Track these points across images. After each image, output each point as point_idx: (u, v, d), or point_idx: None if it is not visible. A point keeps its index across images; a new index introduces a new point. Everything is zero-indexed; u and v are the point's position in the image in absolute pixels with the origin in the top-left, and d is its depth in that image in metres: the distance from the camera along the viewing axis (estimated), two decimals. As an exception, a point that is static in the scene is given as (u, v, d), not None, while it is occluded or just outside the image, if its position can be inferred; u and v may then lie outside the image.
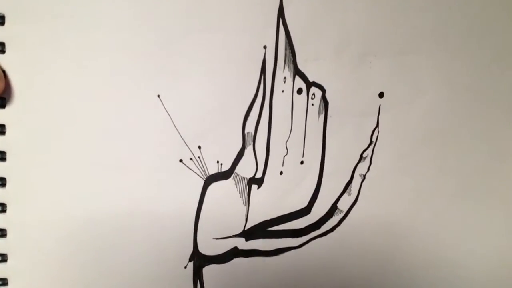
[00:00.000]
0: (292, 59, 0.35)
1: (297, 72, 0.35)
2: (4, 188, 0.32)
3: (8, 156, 0.32)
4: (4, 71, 0.30)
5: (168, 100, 0.33)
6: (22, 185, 0.32)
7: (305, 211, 0.38)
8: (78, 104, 0.32)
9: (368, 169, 0.38)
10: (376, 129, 0.37)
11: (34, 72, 0.31)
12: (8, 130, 0.31)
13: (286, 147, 0.37)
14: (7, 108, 0.31)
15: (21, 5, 0.30)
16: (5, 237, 0.33)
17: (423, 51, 0.36)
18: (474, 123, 0.39)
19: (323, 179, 0.38)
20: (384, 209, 0.39)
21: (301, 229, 0.38)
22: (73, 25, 0.31)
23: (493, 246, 0.41)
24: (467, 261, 0.41)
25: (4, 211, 0.32)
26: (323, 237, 0.39)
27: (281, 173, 0.37)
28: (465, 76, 0.38)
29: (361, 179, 0.38)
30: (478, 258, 0.41)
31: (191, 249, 0.36)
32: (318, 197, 0.38)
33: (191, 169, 0.35)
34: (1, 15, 0.29)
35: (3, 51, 0.30)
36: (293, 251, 0.39)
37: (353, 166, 0.38)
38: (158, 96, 0.33)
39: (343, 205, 0.39)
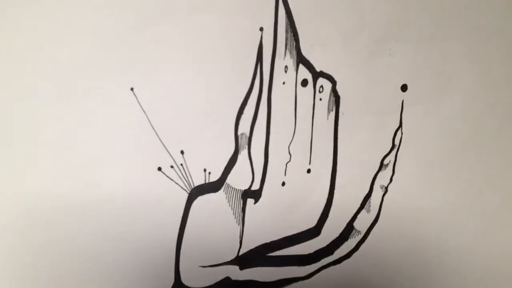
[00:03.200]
0: (294, 44, 0.33)
1: (301, 60, 0.33)
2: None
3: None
4: None
5: (144, 94, 0.31)
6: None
7: (314, 232, 0.37)
8: (34, 99, 0.29)
9: (391, 179, 0.37)
10: (399, 130, 0.36)
11: None
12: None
13: (289, 152, 0.35)
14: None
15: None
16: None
17: (453, 35, 0.35)
18: None
19: (335, 191, 0.36)
20: (412, 230, 0.37)
21: (309, 255, 0.37)
22: (28, 6, 0.28)
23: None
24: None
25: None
26: (337, 265, 0.38)
27: (283, 184, 0.35)
28: (504, 65, 0.35)
29: (383, 192, 0.37)
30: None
31: (172, 280, 0.35)
32: (330, 214, 0.37)
33: (172, 179, 0.33)
34: None
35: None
36: (299, 282, 0.37)
37: (372, 176, 0.37)
38: (132, 89, 0.31)
39: (361, 224, 0.38)
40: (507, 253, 0.38)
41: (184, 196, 0.33)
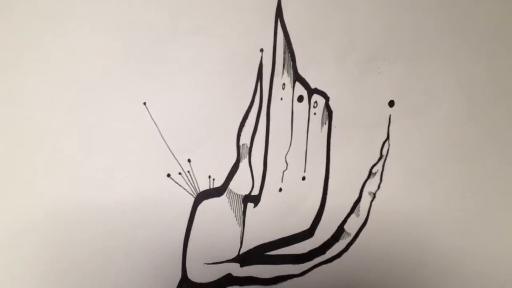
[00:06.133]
0: (291, 64, 0.35)
1: (297, 77, 0.35)
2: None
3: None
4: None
5: (155, 108, 0.33)
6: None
7: (308, 233, 0.38)
8: (54, 110, 0.32)
9: (379, 186, 0.38)
10: (387, 142, 0.37)
11: (10, 74, 0.31)
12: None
13: (286, 161, 0.36)
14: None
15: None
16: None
17: (438, 55, 0.36)
18: (498, 135, 0.38)
19: (327, 197, 0.37)
20: (398, 232, 0.38)
21: (303, 254, 0.38)
22: (51, 25, 0.31)
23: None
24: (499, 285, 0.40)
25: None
26: (329, 264, 0.39)
27: (280, 190, 0.37)
28: (486, 83, 0.37)
29: (371, 198, 0.38)
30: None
31: (179, 276, 0.37)
32: (322, 217, 0.38)
33: (180, 185, 0.35)
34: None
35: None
36: (294, 279, 0.38)
37: (362, 183, 0.38)
38: (144, 103, 0.33)
39: (351, 227, 0.38)
40: (487, 253, 0.39)
41: (191, 200, 0.35)
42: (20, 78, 0.31)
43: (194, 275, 0.36)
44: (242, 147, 0.35)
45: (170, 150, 0.34)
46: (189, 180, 0.35)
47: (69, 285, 0.34)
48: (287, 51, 0.34)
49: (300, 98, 0.35)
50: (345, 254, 0.38)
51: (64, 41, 0.31)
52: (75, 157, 0.33)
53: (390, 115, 0.36)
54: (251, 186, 0.36)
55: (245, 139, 0.35)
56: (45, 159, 0.33)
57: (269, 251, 0.37)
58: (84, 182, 0.33)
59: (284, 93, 0.35)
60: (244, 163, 0.36)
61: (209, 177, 0.35)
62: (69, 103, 0.32)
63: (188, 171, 0.34)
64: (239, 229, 0.37)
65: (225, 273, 0.37)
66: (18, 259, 0.33)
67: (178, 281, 0.36)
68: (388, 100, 0.36)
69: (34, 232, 0.33)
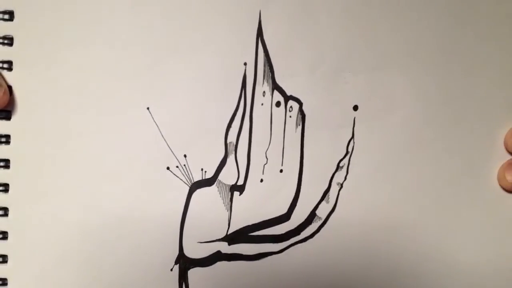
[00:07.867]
0: (270, 75, 0.37)
1: (275, 86, 0.38)
2: (6, 193, 0.37)
3: (11, 164, 0.37)
4: (10, 87, 0.35)
5: (157, 112, 0.37)
6: (23, 191, 0.37)
7: (285, 217, 0.39)
8: (76, 117, 0.37)
9: (345, 178, 0.40)
10: (352, 140, 0.39)
11: (36, 87, 0.36)
12: (12, 140, 0.36)
13: (266, 156, 0.38)
14: (12, 120, 0.36)
15: (28, 29, 0.35)
16: (6, 240, 0.37)
17: (396, 67, 0.39)
18: (447, 135, 0.41)
19: (301, 187, 0.39)
20: (362, 217, 0.41)
21: (281, 235, 0.39)
22: (73, 46, 0.36)
23: (472, 253, 0.42)
24: (446, 267, 0.42)
25: (6, 214, 0.37)
26: (303, 243, 0.40)
27: (261, 180, 0.39)
28: (438, 90, 0.40)
29: (339, 188, 0.40)
30: (457, 266, 0.42)
31: (177, 252, 0.38)
32: (297, 204, 0.39)
33: (177, 176, 0.37)
34: (9, 36, 0.35)
35: (10, 69, 0.35)
36: (274, 256, 0.40)
37: (331, 175, 0.40)
38: (148, 109, 0.36)
39: (322, 212, 0.40)
40: (437, 233, 0.41)
41: (186, 189, 0.37)
42: (41, 91, 0.35)
43: (190, 252, 0.38)
44: (229, 145, 0.38)
45: (169, 147, 0.37)
46: (185, 172, 0.37)
47: (72, 259, 0.37)
48: (266, 64, 0.37)
49: (278, 104, 0.38)
50: (317, 235, 0.40)
51: (81, 57, 0.35)
52: (89, 154, 0.36)
53: (354, 118, 0.39)
54: (237, 177, 0.38)
55: (232, 138, 0.38)
56: (63, 161, 0.36)
57: (252, 232, 0.39)
58: (95, 175, 0.37)
59: (264, 99, 0.38)
60: (231, 158, 0.38)
61: (202, 169, 0.38)
62: (81, 109, 0.36)
63: (184, 165, 0.37)
64: (227, 213, 0.39)
65: (215, 251, 0.39)
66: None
67: (176, 256, 0.38)
68: (353, 105, 0.39)
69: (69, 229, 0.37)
